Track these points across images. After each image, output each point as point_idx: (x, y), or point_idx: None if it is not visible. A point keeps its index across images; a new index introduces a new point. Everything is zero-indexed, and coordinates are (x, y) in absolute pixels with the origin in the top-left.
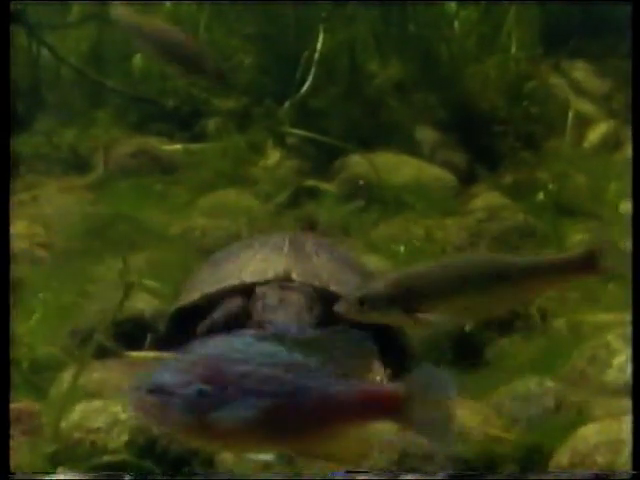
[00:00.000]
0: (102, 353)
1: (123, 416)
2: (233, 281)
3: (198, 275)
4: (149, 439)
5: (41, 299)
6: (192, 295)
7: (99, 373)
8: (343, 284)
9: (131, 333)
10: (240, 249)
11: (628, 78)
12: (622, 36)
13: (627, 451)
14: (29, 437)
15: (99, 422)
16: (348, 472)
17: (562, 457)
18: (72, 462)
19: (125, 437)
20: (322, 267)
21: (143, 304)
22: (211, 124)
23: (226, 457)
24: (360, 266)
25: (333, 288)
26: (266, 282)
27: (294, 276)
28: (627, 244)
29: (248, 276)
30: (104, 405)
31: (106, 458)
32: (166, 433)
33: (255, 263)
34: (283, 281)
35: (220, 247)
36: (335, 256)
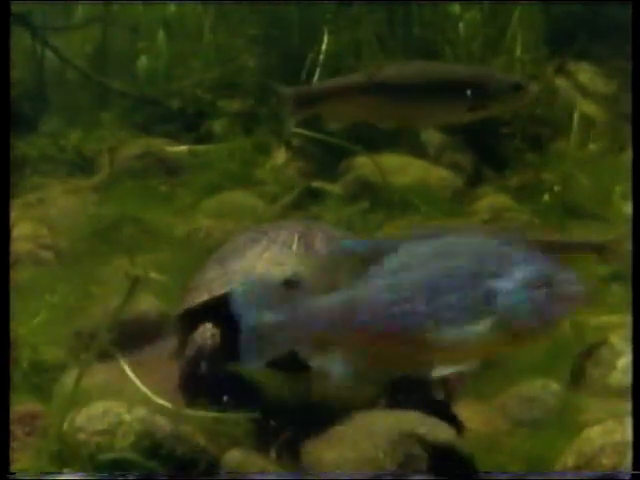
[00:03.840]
0: (106, 355)
1: (127, 417)
2: (236, 285)
3: (204, 273)
4: (154, 441)
5: (46, 301)
6: (200, 296)
7: (103, 375)
8: None
9: (135, 334)
10: (246, 244)
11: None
12: (627, 37)
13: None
14: (33, 439)
15: (103, 424)
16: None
17: (567, 459)
18: (77, 464)
19: (130, 439)
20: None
21: (147, 305)
22: (217, 125)
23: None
24: None
25: None
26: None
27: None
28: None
29: (259, 274)
30: (108, 406)
31: (111, 455)
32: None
33: (263, 264)
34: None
35: None
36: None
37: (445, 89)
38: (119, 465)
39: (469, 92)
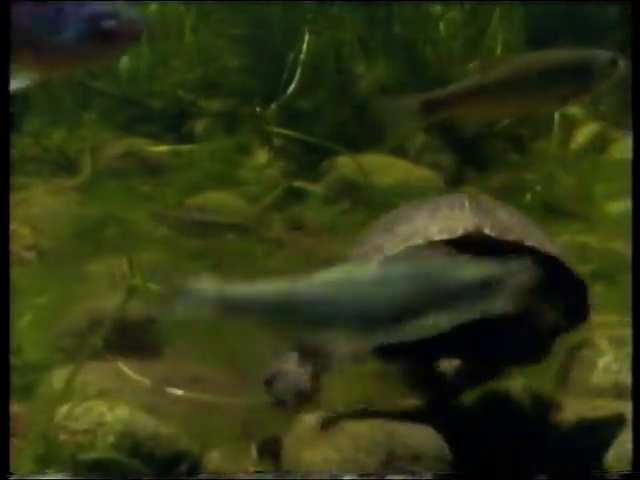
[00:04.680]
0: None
1: (109, 418)
2: (418, 240)
3: (367, 243)
4: (135, 441)
5: (29, 301)
6: (371, 258)
7: (86, 375)
8: (535, 238)
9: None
10: (409, 213)
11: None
12: (609, 37)
13: (612, 452)
14: (16, 439)
15: (85, 424)
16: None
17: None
18: (60, 465)
19: (111, 439)
20: (510, 222)
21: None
22: (198, 125)
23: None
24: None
25: (529, 243)
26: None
27: (487, 231)
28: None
29: (436, 234)
30: (90, 406)
31: (93, 454)
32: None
33: (439, 222)
34: (475, 237)
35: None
36: (512, 211)
37: (558, 75)
38: (102, 465)
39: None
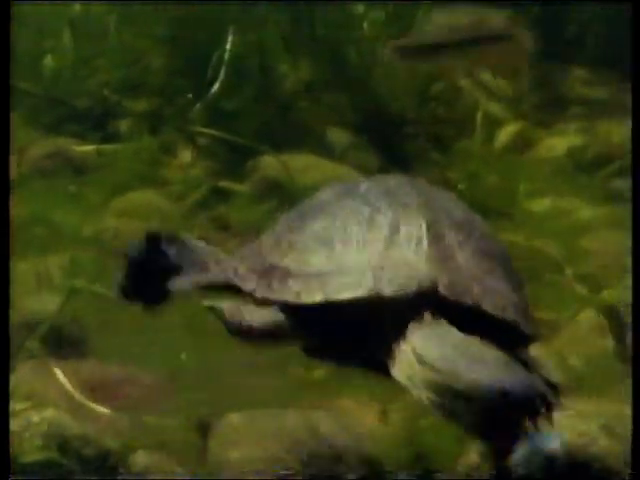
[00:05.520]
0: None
1: (36, 419)
2: (364, 291)
3: (306, 255)
4: (62, 442)
5: None
6: (313, 295)
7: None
8: (494, 297)
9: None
10: (355, 224)
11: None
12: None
13: None
14: None
15: (12, 426)
16: (259, 473)
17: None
18: None
19: (38, 441)
20: (469, 272)
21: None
22: (123, 125)
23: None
24: (504, 256)
25: (486, 308)
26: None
27: (441, 289)
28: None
29: (386, 286)
30: (17, 409)
31: (28, 458)
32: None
33: (391, 262)
34: (427, 295)
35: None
36: (479, 247)
37: None
38: (30, 467)
39: None
